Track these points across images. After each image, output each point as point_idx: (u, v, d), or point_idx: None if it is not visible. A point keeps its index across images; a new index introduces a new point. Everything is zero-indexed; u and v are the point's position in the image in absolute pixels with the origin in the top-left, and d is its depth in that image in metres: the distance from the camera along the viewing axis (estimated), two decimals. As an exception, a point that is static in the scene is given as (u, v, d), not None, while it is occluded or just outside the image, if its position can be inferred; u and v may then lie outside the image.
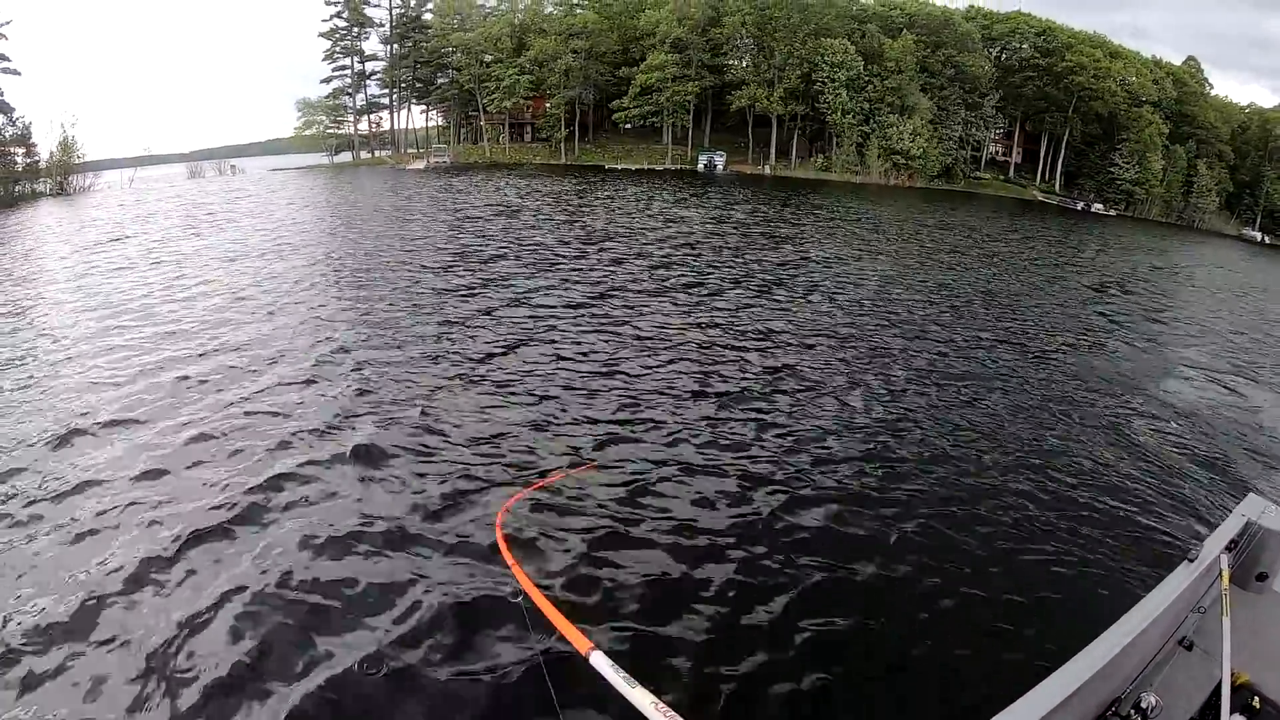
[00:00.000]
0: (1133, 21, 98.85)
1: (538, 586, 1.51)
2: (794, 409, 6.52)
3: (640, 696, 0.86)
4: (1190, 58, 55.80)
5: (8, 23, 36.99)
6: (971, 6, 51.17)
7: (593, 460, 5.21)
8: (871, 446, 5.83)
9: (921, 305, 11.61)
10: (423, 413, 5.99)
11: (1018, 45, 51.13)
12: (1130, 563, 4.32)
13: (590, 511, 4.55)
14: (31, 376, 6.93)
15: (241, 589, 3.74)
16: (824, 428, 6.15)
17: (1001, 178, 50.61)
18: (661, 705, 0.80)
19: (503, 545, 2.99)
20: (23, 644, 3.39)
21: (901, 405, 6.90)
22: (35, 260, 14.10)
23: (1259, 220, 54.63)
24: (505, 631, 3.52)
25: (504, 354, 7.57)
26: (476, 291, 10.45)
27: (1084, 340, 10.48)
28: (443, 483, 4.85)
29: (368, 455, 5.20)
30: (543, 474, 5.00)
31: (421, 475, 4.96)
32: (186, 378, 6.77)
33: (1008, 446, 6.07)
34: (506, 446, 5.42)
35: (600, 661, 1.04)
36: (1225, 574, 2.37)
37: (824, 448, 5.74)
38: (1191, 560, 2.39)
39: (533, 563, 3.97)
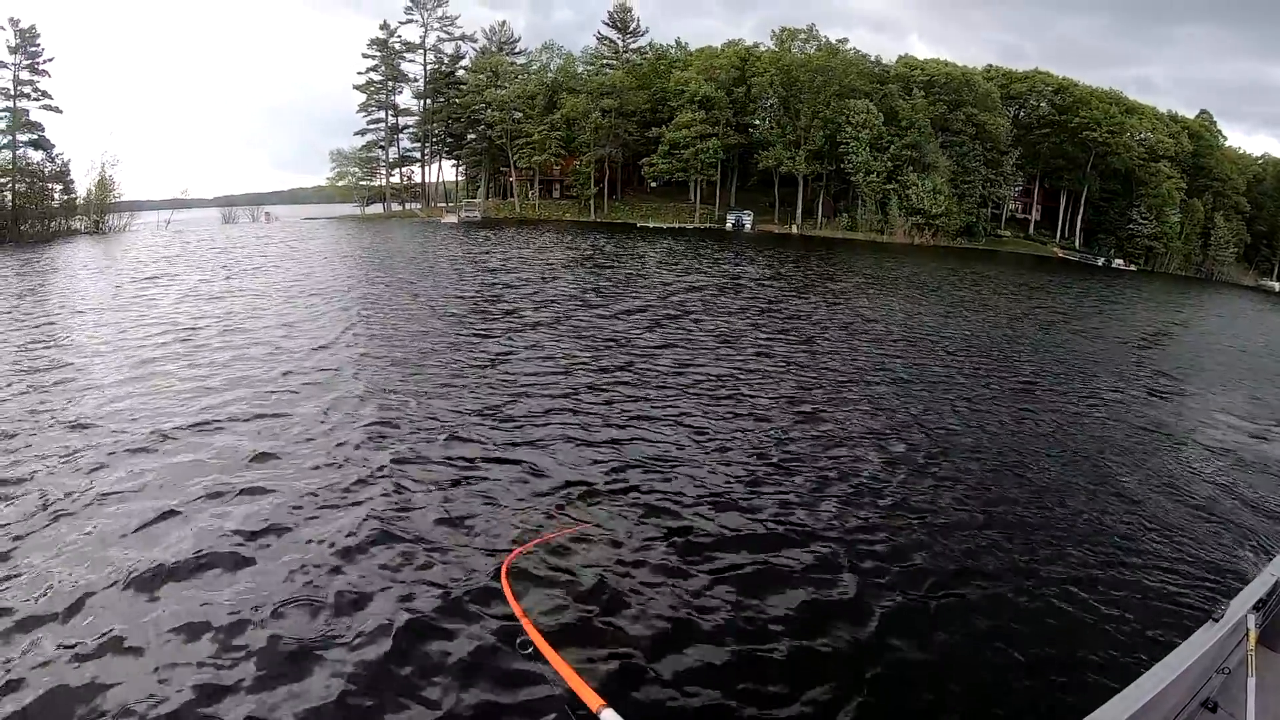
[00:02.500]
0: (1139, 76, 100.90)
1: (546, 640, 1.53)
2: (830, 459, 6.64)
3: None
4: (1203, 111, 56.77)
5: (50, 60, 38.42)
6: (990, 67, 52.35)
7: (592, 518, 5.11)
8: (892, 492, 5.97)
9: (949, 356, 12.02)
10: (428, 461, 6.06)
11: (1035, 103, 52.17)
12: (1152, 620, 4.23)
13: (598, 566, 4.50)
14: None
15: (226, 638, 3.64)
16: (854, 477, 6.29)
17: (1021, 235, 51.26)
18: None
19: (510, 597, 2.95)
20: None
21: (922, 451, 7.10)
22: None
23: (1276, 270, 55.21)
24: (514, 686, 3.44)
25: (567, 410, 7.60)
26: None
27: (1115, 394, 10.59)
28: (449, 530, 4.86)
29: (376, 499, 5.27)
30: (547, 528, 4.94)
31: (430, 523, 4.97)
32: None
33: (1031, 499, 6.10)
34: (513, 498, 5.42)
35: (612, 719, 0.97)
36: (1252, 634, 2.29)
37: (849, 496, 5.84)
38: (1217, 619, 2.30)
39: (540, 615, 3.88)
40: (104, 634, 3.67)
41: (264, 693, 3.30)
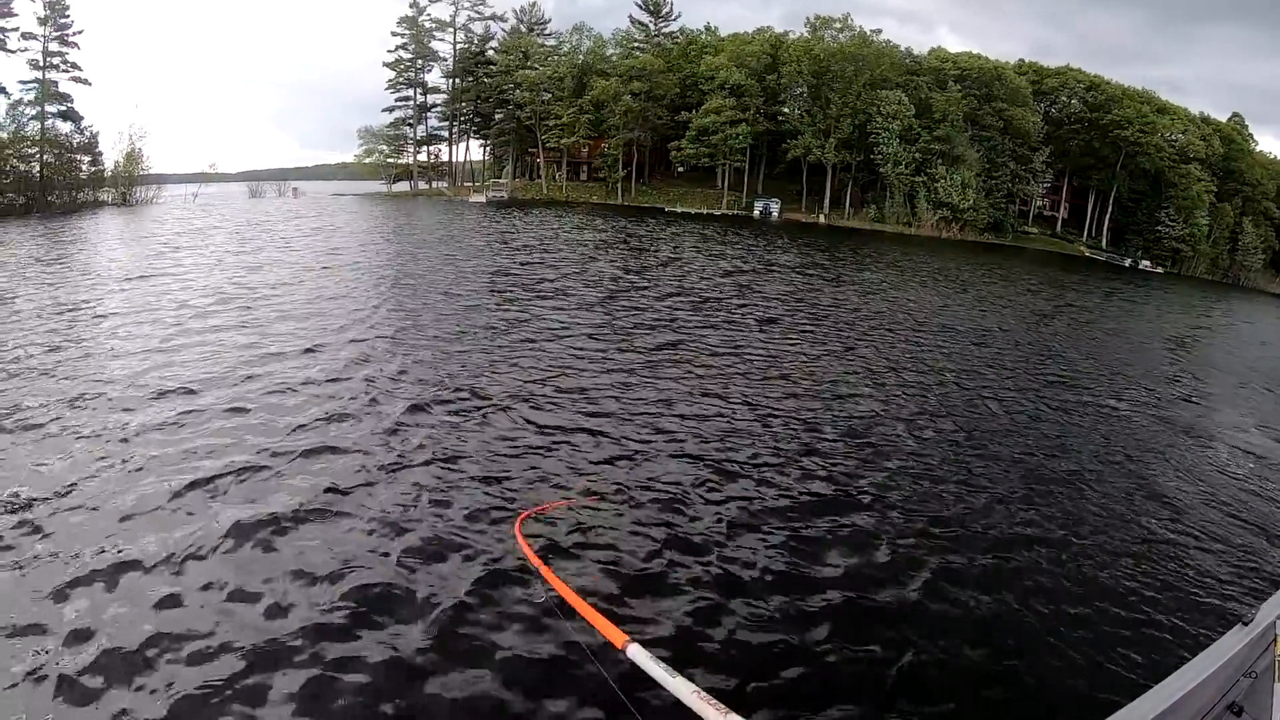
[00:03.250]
0: (1168, 76, 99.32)
1: (566, 585, 1.55)
2: (867, 443, 6.77)
3: (681, 685, 0.83)
4: (1235, 114, 56.09)
5: (79, 33, 38.55)
6: (1021, 62, 51.87)
7: (606, 487, 5.26)
8: (929, 475, 6.05)
9: (984, 351, 12.12)
10: (461, 425, 6.32)
11: (1066, 99, 51.68)
12: (1180, 623, 4.23)
13: (613, 525, 4.66)
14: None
15: (258, 594, 3.78)
16: (890, 460, 6.39)
17: (1048, 233, 50.88)
18: (703, 694, 0.77)
19: (525, 548, 3.05)
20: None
21: (959, 438, 7.24)
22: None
23: (1306, 278, 54.63)
24: (539, 628, 3.55)
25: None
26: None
27: (1148, 394, 10.65)
28: (473, 491, 5.05)
29: (399, 460, 5.48)
30: (564, 492, 5.12)
31: (451, 485, 5.16)
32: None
33: (1066, 494, 6.09)
34: (530, 463, 5.65)
35: (638, 653, 1.01)
36: None
37: (887, 480, 5.92)
38: (1246, 623, 2.29)
39: (557, 565, 3.99)
40: (172, 581, 3.87)
41: (307, 637, 3.46)
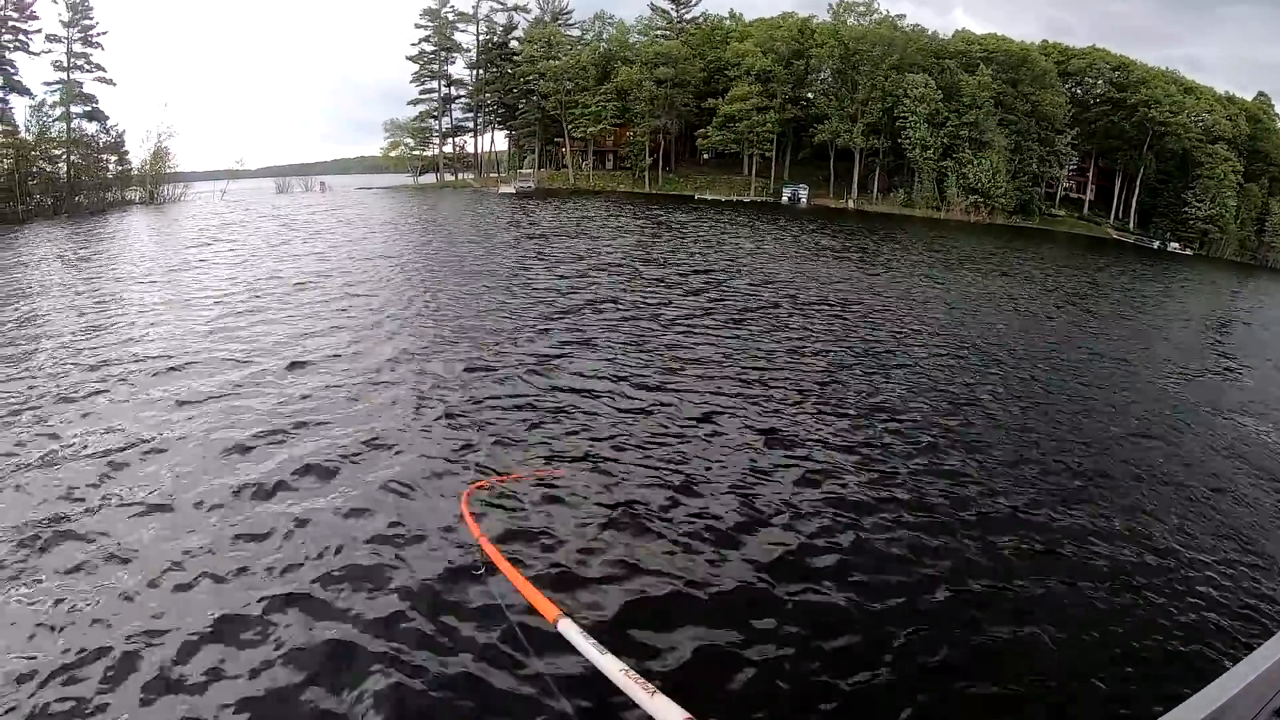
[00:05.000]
0: (1189, 55, 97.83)
1: (505, 558, 1.51)
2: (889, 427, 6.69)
3: (609, 663, 0.82)
4: (1261, 93, 55.50)
5: (103, 33, 38.76)
6: (1045, 43, 51.43)
7: (564, 464, 5.24)
8: (978, 451, 6.03)
9: (1035, 333, 12.33)
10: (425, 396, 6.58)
11: (1093, 81, 51.28)
12: (1227, 624, 4.04)
13: (562, 502, 4.65)
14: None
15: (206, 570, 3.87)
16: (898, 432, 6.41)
17: (1075, 215, 50.63)
18: (631, 672, 0.76)
19: (469, 519, 3.01)
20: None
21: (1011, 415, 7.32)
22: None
23: (1334, 260, 54.12)
24: (472, 602, 3.52)
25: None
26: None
27: (1194, 379, 10.65)
28: (422, 464, 5.12)
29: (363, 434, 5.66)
30: (510, 469, 5.11)
31: (400, 454, 5.28)
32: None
33: (1116, 479, 5.93)
34: (480, 439, 5.69)
35: (569, 629, 1.00)
36: None
37: (931, 462, 5.84)
38: None
39: (498, 540, 3.94)
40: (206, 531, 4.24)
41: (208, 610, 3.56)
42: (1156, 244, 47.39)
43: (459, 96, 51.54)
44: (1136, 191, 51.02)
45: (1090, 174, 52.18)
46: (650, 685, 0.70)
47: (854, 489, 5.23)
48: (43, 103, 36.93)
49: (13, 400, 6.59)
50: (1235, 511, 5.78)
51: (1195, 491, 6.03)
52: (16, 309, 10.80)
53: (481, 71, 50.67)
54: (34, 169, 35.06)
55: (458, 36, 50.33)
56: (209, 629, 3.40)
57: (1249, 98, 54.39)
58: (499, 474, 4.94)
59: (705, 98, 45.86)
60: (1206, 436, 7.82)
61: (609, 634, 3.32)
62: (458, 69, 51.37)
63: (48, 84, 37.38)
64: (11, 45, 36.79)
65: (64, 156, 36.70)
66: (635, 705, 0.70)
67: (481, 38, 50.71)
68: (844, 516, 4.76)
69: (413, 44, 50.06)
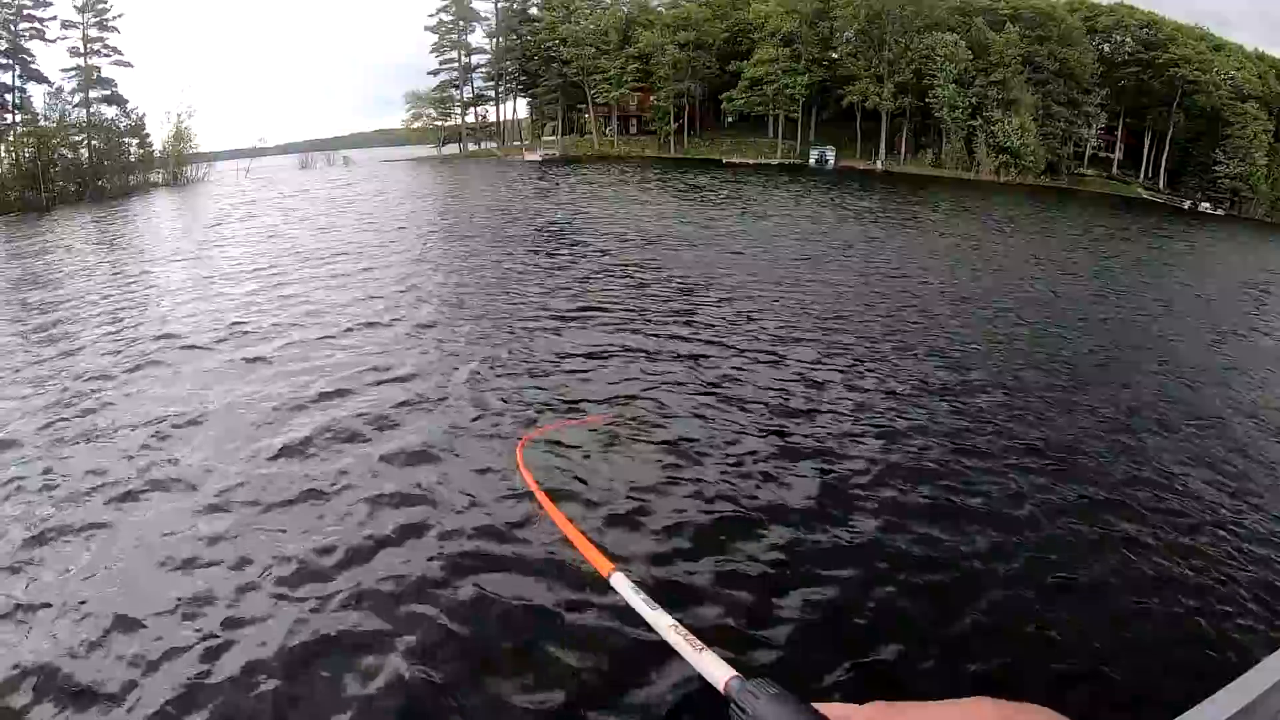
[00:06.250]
0: (1215, 10, 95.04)
1: (560, 511, 1.54)
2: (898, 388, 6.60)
3: (659, 619, 0.81)
4: (1292, 51, 54.34)
5: (119, 16, 38.66)
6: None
7: (624, 410, 5.24)
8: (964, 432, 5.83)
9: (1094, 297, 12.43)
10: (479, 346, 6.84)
11: (1120, 38, 50.30)
12: (1250, 620, 3.75)
13: (616, 452, 4.64)
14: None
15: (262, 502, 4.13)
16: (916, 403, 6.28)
17: (1104, 174, 49.97)
18: (680, 628, 0.76)
19: (523, 469, 3.08)
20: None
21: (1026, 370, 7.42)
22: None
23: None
24: (525, 551, 3.58)
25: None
26: None
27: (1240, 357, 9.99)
28: (475, 416, 5.20)
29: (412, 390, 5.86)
30: (563, 417, 5.13)
31: (455, 404, 5.40)
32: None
33: (1132, 473, 5.45)
34: (530, 392, 5.79)
35: (621, 583, 0.99)
36: None
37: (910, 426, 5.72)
38: None
39: (553, 491, 3.98)
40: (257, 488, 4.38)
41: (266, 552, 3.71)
42: (1187, 204, 46.76)
43: (479, 66, 51.20)
44: (1166, 150, 50.21)
45: (1119, 133, 51.38)
46: (699, 642, 0.71)
47: (908, 446, 5.23)
48: (60, 89, 36.97)
49: (80, 371, 6.87)
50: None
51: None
52: (48, 293, 11.01)
53: (501, 40, 50.22)
54: (55, 156, 35.06)
55: (476, 4, 49.88)
56: (270, 571, 3.55)
57: (1278, 54, 53.36)
58: (552, 423, 4.99)
59: (729, 60, 45.33)
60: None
61: (661, 587, 3.34)
62: (477, 38, 50.98)
63: (65, 70, 37.39)
64: (27, 34, 36.71)
65: (85, 142, 36.71)
66: (684, 661, 0.71)
67: (500, 5, 50.21)
68: (899, 472, 4.78)
69: (430, 14, 49.69)
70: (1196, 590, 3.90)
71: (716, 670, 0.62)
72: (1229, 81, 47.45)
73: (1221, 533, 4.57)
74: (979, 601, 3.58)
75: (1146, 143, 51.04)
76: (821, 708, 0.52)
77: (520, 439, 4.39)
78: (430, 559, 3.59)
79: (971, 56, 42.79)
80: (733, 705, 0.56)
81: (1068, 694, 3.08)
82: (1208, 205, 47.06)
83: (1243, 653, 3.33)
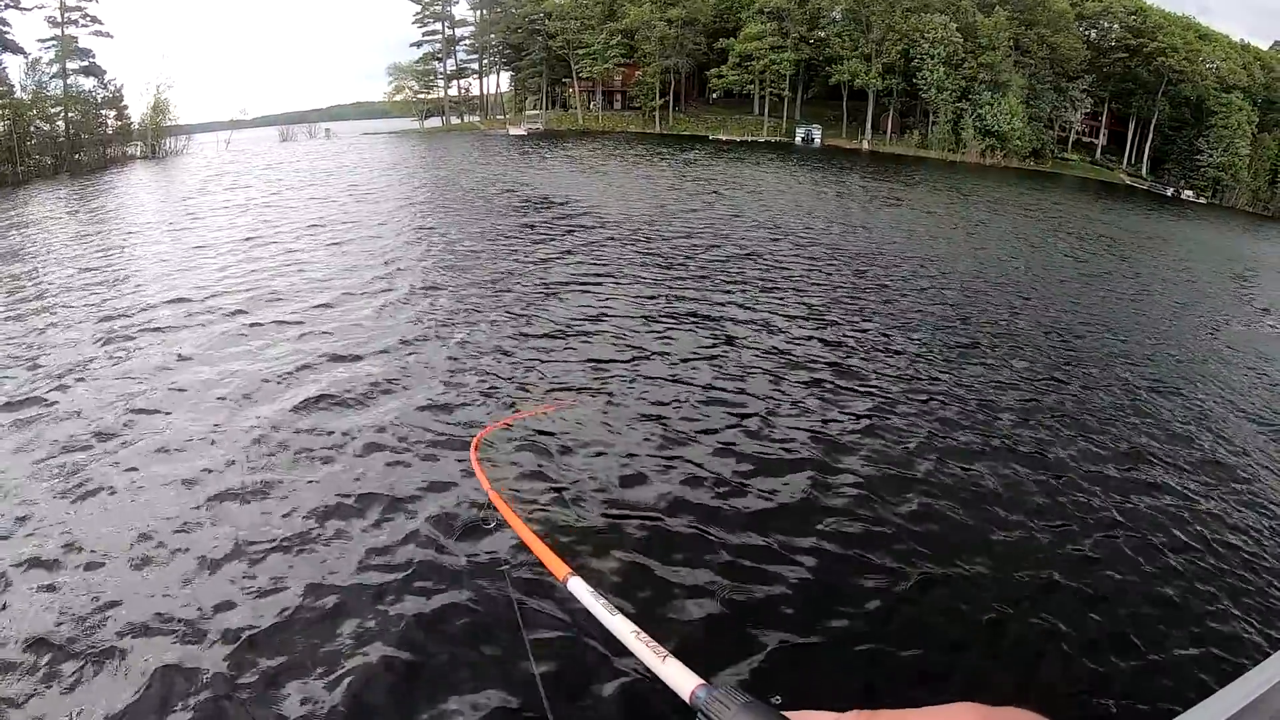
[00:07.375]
0: (1200, 1, 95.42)
1: (515, 513, 1.51)
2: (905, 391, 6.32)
3: (620, 624, 0.80)
4: (1277, 41, 54.77)
5: None
6: (1061, -16, 50.30)
7: (577, 395, 5.19)
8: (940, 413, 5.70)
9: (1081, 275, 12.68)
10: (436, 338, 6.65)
11: (1108, 25, 50.37)
12: (1256, 618, 3.69)
13: (574, 444, 4.48)
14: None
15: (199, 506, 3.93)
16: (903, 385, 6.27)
17: (1088, 159, 50.12)
18: (643, 635, 0.74)
19: (479, 471, 2.99)
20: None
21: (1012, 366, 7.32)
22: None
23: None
24: (480, 556, 3.43)
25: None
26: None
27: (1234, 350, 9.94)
28: (424, 410, 5.05)
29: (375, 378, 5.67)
30: (520, 406, 5.03)
31: (406, 402, 5.20)
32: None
33: (1134, 469, 5.31)
34: (490, 379, 5.64)
35: (579, 587, 0.97)
36: None
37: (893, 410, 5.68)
38: None
39: (509, 490, 3.91)
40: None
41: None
42: (1170, 191, 47.01)
43: (463, 38, 50.34)
44: (1150, 137, 50.44)
45: (1103, 118, 51.52)
46: (662, 649, 0.66)
47: (884, 432, 5.13)
48: (37, 60, 35.49)
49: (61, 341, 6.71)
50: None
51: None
52: (23, 266, 10.61)
53: (485, 11, 49.38)
54: (32, 129, 33.78)
55: (460, -25, 48.96)
56: (224, 558, 3.47)
57: (1264, 46, 53.69)
58: (511, 414, 4.87)
59: (716, 36, 44.84)
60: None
61: (619, 590, 3.24)
62: (461, 9, 50.10)
63: (42, 40, 35.88)
64: (2, 3, 35.38)
65: (61, 114, 35.38)
66: (647, 668, 0.66)
67: (484, -24, 49.33)
68: (874, 457, 4.72)
69: (414, -16, 48.69)
70: (1196, 590, 3.82)
71: (681, 678, 0.60)
72: (1214, 71, 47.71)
73: (1222, 532, 4.48)
74: (962, 603, 3.43)
75: (1131, 129, 51.22)
76: (796, 716, 0.48)
77: (475, 436, 4.15)
78: (380, 564, 3.47)
79: (961, 39, 42.62)
80: (700, 715, 0.53)
81: (1064, 695, 2.99)
82: (1190, 193, 47.34)
83: (1242, 653, 3.29)
